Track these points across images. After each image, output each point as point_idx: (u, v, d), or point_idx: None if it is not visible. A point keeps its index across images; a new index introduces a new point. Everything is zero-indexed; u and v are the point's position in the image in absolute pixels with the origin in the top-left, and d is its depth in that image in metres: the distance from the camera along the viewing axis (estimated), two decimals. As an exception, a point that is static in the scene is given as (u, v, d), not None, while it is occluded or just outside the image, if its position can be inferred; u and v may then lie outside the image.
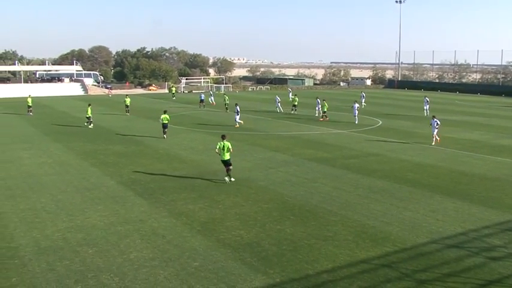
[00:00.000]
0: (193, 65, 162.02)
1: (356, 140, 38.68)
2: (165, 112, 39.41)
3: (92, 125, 46.18)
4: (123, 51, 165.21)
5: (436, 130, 36.77)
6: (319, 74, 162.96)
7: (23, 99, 62.96)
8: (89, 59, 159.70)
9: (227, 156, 24.48)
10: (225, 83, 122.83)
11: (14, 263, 14.89)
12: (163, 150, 34.05)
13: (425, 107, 59.11)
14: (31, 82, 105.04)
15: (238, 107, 47.88)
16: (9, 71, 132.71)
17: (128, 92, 79.98)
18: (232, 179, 24.79)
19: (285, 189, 23.53)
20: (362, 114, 55.81)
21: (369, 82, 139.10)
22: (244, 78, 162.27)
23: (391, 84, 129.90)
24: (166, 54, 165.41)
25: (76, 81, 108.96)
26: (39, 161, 30.09)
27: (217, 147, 24.59)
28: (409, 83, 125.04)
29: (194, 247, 16.19)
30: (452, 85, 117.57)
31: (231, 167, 24.82)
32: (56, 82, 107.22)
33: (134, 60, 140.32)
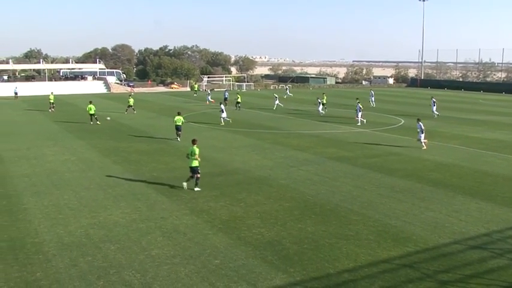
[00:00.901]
0: (215, 63, 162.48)
1: (378, 139, 38.43)
2: (178, 114, 38.07)
3: (92, 121, 46.71)
4: (146, 50, 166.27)
5: (422, 135, 34.70)
6: (341, 72, 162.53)
7: (47, 97, 63.75)
8: (111, 57, 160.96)
9: (194, 163, 22.65)
10: (247, 82, 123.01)
11: (38, 258, 15.10)
12: (185, 148, 34.03)
13: (433, 108, 55.28)
14: (55, 80, 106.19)
15: (222, 105, 48.77)
16: (34, 70, 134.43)
17: (150, 90, 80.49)
18: (198, 189, 22.76)
19: (306, 188, 23.48)
20: (381, 112, 55.46)
21: (391, 81, 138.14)
22: (266, 76, 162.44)
23: (414, 83, 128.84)
24: (189, 52, 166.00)
25: (99, 79, 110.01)
26: (63, 158, 30.45)
27: (187, 153, 23.14)
28: (432, 82, 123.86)
29: (215, 245, 16.24)
30: (476, 84, 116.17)
31: (198, 175, 22.80)
32: (79, 80, 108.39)
33: (156, 58, 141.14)
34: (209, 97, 72.82)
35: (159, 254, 15.49)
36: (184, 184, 23.06)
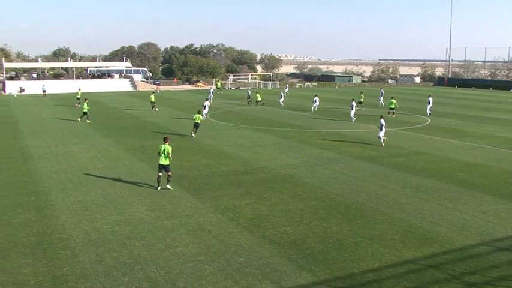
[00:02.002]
0: (241, 61, 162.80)
1: (404, 138, 38.09)
2: (198, 112, 39.46)
3: (81, 118, 47.91)
4: (172, 48, 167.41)
5: (382, 132, 34.56)
6: (367, 71, 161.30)
7: (75, 95, 64.70)
8: (138, 55, 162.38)
9: (165, 161, 22.47)
10: (272, 80, 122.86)
11: (65, 254, 15.31)
12: (210, 146, 34.34)
13: (427, 106, 55.33)
14: (82, 78, 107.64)
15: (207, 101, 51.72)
16: (62, 68, 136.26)
17: (175, 88, 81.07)
18: (169, 187, 22.75)
19: (332, 187, 23.39)
20: (407, 111, 54.92)
21: (417, 79, 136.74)
22: (292, 75, 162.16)
23: (441, 82, 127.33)
24: (214, 50, 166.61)
25: (125, 77, 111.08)
26: (89, 155, 30.81)
27: (158, 150, 22.97)
28: (459, 81, 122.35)
29: (240, 243, 16.28)
30: (505, 83, 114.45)
31: (170, 173, 22.71)
32: (106, 78, 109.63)
33: (182, 56, 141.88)
34: (210, 96, 71.56)
35: (183, 251, 15.58)
36: (159, 188, 22.72)
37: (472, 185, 24.01)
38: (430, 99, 56.75)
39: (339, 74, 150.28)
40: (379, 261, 14.91)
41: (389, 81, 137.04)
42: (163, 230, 17.45)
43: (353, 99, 52.12)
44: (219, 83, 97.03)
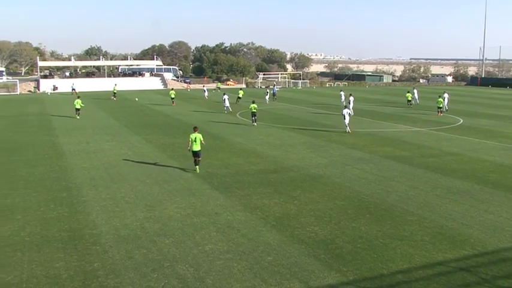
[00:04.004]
0: (271, 60, 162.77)
1: (435, 139, 37.60)
2: (253, 102, 45.29)
3: (78, 116, 49.49)
4: (202, 47, 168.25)
5: (346, 120, 39.72)
6: (398, 70, 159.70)
7: (107, 93, 65.60)
8: (168, 54, 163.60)
9: (197, 147, 25.44)
10: (302, 79, 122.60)
11: (95, 249, 15.53)
12: (240, 144, 34.42)
13: (445, 103, 57.34)
14: (114, 76, 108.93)
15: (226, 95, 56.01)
16: (94, 66, 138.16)
17: (207, 86, 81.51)
18: (197, 168, 25.79)
19: (361, 187, 23.23)
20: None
21: (450, 79, 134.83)
22: (322, 74, 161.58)
23: (474, 81, 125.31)
24: (244, 49, 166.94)
25: (156, 75, 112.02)
26: (120, 153, 31.19)
27: (189, 139, 25.61)
28: (493, 80, 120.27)
29: (268, 241, 16.28)
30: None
31: (200, 158, 25.92)
32: (137, 76, 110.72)
33: (212, 55, 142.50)
34: (206, 94, 73.22)
35: (212, 249, 15.65)
36: (197, 167, 25.88)
37: (506, 186, 23.55)
38: (446, 95, 58.01)
39: (369, 73, 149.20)
40: (408, 262, 14.75)
41: (421, 80, 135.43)
42: (192, 228, 17.56)
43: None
44: (219, 84, 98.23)
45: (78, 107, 49.80)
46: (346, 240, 16.48)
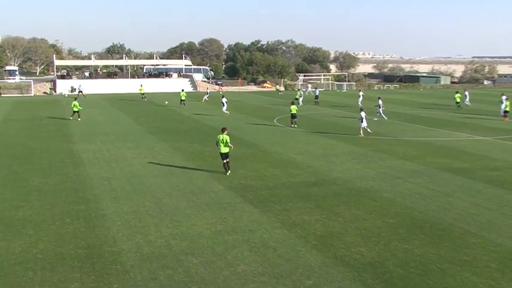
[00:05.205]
0: (313, 60, 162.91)
1: (501, 149, 36.92)
2: (292, 103, 48.73)
3: (80, 118, 52.28)
4: (236, 45, 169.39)
5: (363, 123, 42.30)
6: (458, 70, 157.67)
7: (130, 96, 66.50)
8: (198, 52, 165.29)
9: (225, 150, 27.29)
10: (348, 81, 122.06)
11: (115, 269, 15.64)
12: (277, 154, 34.40)
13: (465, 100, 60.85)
14: (138, 77, 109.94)
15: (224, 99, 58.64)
16: (116, 66, 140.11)
17: (239, 89, 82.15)
18: (229, 172, 27.64)
19: (414, 203, 22.92)
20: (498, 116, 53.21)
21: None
22: (370, 75, 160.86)
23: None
24: (283, 47, 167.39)
25: (185, 76, 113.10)
26: (144, 161, 31.49)
27: (217, 139, 27.72)
28: None
29: (308, 263, 16.17)
30: None
31: (228, 160, 27.64)
32: (163, 77, 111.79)
33: (247, 54, 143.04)
34: (206, 96, 76.74)
35: (245, 270, 15.61)
36: (229, 172, 27.73)
37: None
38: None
39: (424, 74, 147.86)
40: (470, 290, 14.45)
41: (485, 82, 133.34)
42: (223, 246, 17.57)
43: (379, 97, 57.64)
44: (277, 87, 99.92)
45: (75, 109, 52.47)
46: (397, 263, 16.25)
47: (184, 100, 67.48)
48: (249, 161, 31.79)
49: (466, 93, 70.89)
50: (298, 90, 79.78)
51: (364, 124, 42.55)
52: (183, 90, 71.26)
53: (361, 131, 42.54)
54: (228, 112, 57.55)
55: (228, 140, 27.22)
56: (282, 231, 19.15)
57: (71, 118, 52.43)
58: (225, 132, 27.51)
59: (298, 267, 15.86)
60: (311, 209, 21.91)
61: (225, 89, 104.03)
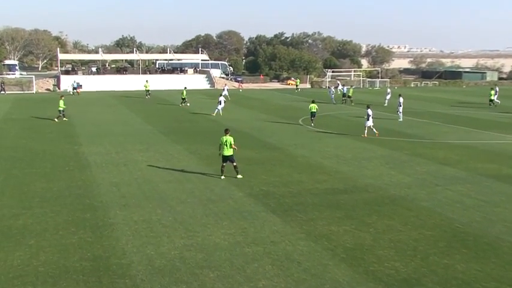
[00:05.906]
0: (342, 54, 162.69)
1: (553, 154, 36.51)
2: (313, 102, 50.64)
3: (65, 118, 52.38)
4: (257, 38, 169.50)
5: (368, 122, 42.98)
6: (507, 65, 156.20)
7: (141, 93, 66.95)
8: (216, 46, 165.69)
9: (229, 152, 27.87)
10: (381, 77, 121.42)
11: (124, 283, 15.71)
12: (303, 158, 34.37)
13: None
14: (150, 73, 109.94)
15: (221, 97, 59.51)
16: (126, 60, 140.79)
17: (261, 87, 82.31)
18: (239, 176, 28.35)
19: (456, 214, 22.77)
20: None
21: None
22: (406, 71, 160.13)
23: None
24: (309, 41, 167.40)
25: (201, 72, 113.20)
26: (156, 165, 31.60)
27: (220, 142, 28.15)
28: None
29: (336, 279, 16.13)
30: None
31: (235, 163, 28.27)
32: (178, 73, 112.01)
33: (270, 48, 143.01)
34: (226, 92, 74.13)
35: (266, 286, 15.61)
36: (222, 177, 28.27)
37: None
38: (497, 89, 62.12)
39: (467, 70, 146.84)
40: (519, 312, 14.32)
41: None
42: (242, 259, 17.58)
43: (400, 95, 56.58)
44: (297, 81, 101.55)
45: (60, 108, 52.65)
46: (435, 280, 16.15)
47: (184, 98, 67.76)
48: (272, 165, 31.80)
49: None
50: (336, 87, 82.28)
51: (370, 123, 43.10)
52: (185, 88, 71.44)
53: (366, 131, 43.24)
54: (219, 110, 58.07)
55: (232, 142, 27.84)
56: (308, 243, 19.13)
57: (56, 120, 51.94)
58: (228, 134, 28.17)
59: (325, 282, 15.83)
60: (339, 218, 21.85)
61: (245, 86, 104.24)
